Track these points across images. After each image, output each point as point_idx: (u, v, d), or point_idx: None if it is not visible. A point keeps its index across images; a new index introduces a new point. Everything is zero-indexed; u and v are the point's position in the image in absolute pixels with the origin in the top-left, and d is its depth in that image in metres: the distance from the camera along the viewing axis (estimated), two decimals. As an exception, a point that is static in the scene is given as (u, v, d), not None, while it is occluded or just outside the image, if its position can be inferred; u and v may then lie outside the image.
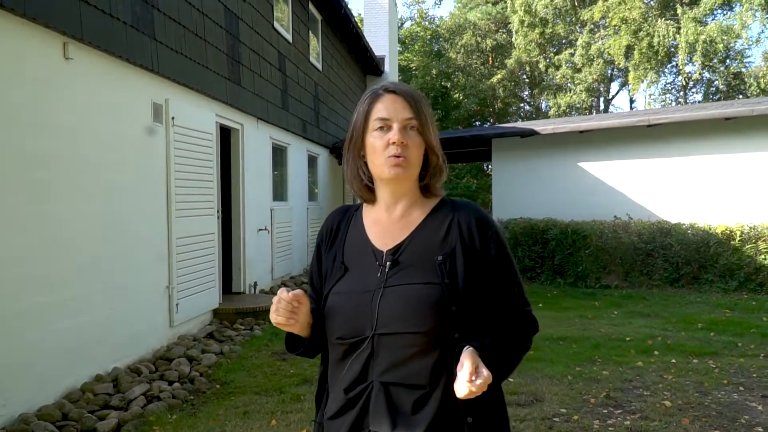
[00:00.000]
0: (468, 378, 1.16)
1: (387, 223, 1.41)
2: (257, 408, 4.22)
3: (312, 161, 11.94)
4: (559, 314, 7.23)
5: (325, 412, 1.38)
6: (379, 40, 17.83)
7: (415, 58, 34.55)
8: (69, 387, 4.35)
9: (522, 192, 11.26)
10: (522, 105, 37.93)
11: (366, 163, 1.42)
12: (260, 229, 8.60)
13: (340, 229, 1.47)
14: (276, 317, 1.31)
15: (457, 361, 1.21)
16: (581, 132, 10.58)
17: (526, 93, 37.40)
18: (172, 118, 5.91)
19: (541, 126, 11.47)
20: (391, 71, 18.39)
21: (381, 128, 1.36)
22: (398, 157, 1.33)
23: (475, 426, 1.28)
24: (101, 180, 4.82)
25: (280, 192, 9.89)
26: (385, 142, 1.35)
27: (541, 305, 7.61)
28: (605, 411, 4.07)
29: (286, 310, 1.30)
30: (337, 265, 1.40)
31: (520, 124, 13.56)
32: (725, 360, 5.25)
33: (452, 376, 1.22)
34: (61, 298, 4.31)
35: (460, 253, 1.32)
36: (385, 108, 1.36)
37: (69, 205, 4.43)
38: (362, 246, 1.40)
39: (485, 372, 1.17)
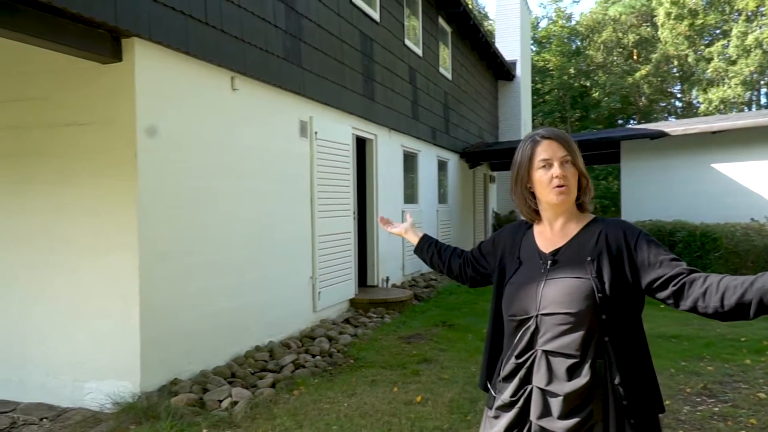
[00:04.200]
0: None
1: (550, 234, 1.82)
2: (383, 378, 5.01)
3: (442, 166, 12.65)
4: (678, 315, 7.29)
5: (500, 374, 1.79)
6: (511, 45, 18.15)
7: (552, 58, 34.02)
8: (235, 354, 5.41)
9: (652, 195, 11.15)
10: (672, 101, 35.88)
11: (532, 193, 1.82)
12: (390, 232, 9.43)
13: (517, 236, 1.92)
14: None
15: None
16: (714, 133, 10.30)
17: (677, 88, 35.26)
18: (315, 133, 6.90)
19: (671, 127, 11.27)
20: (523, 75, 18.61)
21: (544, 166, 1.75)
22: (562, 186, 1.73)
23: (622, 387, 1.61)
24: (258, 187, 5.87)
25: (410, 195, 10.71)
26: (549, 176, 1.74)
27: (662, 306, 7.67)
28: (698, 399, 4.35)
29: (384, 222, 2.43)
30: (515, 260, 1.85)
31: (651, 126, 13.30)
32: (843, 362, 5.19)
33: (600, 347, 1.62)
34: (228, 283, 5.38)
35: (606, 257, 1.68)
36: (544, 151, 1.76)
37: (234, 207, 5.49)
38: (531, 249, 1.83)
39: None
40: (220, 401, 4.35)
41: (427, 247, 2.30)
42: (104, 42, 4.11)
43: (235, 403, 4.31)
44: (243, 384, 4.77)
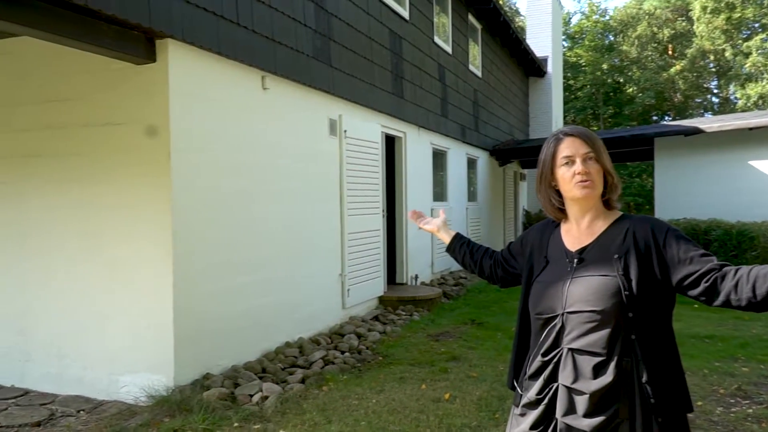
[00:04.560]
0: None
1: (576, 232, 1.81)
2: (411, 375, 5.02)
3: (471, 164, 12.59)
4: (713, 315, 7.15)
5: (527, 372, 1.80)
6: (542, 41, 17.96)
7: (584, 54, 33.50)
8: (266, 349, 5.48)
9: (686, 192, 10.93)
10: (708, 97, 35.03)
11: (557, 191, 1.83)
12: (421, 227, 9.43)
13: (544, 235, 1.92)
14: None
15: None
16: (751, 129, 10.03)
17: (714, 83, 34.39)
18: (345, 131, 6.94)
19: (707, 124, 11.03)
20: (554, 71, 18.40)
21: (567, 163, 1.76)
22: (584, 181, 1.73)
23: (650, 385, 1.60)
24: (288, 185, 5.93)
25: (439, 193, 10.69)
26: (572, 173, 1.74)
27: (696, 306, 7.54)
28: (732, 401, 4.26)
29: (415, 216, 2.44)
30: (542, 259, 1.86)
31: (685, 122, 13.04)
32: None
33: (627, 345, 1.61)
34: (259, 279, 5.45)
35: (634, 254, 1.66)
36: (567, 148, 1.77)
37: (265, 206, 5.56)
38: (558, 248, 1.83)
39: None
40: (251, 396, 4.42)
41: (459, 247, 2.30)
42: (138, 43, 4.20)
43: (266, 397, 4.38)
44: (273, 379, 4.84)
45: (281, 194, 5.80)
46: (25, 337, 4.87)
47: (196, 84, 4.69)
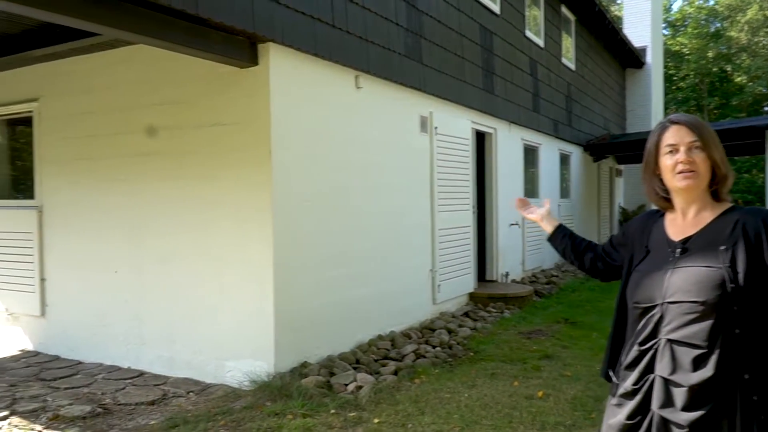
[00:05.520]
0: None
1: (681, 223, 1.79)
2: (503, 372, 5.01)
3: (564, 159, 12.28)
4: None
5: (622, 362, 1.79)
6: (640, 30, 17.24)
7: (688, 42, 31.67)
8: (359, 341, 5.64)
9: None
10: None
11: (661, 180, 1.81)
12: (512, 224, 9.35)
13: (647, 225, 1.90)
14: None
15: None
16: None
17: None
18: (435, 128, 6.99)
19: (827, 112, 10.18)
20: (654, 62, 17.59)
21: (671, 152, 1.74)
22: (686, 171, 1.70)
23: (752, 382, 1.56)
24: (381, 181, 6.05)
25: (531, 189, 10.51)
26: (674, 162, 1.72)
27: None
28: None
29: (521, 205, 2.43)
30: (643, 248, 1.84)
31: (802, 112, 12.07)
32: None
33: (730, 339, 1.57)
34: (354, 273, 5.61)
35: (742, 246, 1.62)
36: (672, 136, 1.75)
37: (358, 200, 5.71)
38: (661, 238, 1.81)
39: None
40: (346, 385, 4.57)
41: (561, 238, 2.28)
42: (243, 48, 4.45)
43: (360, 387, 4.52)
44: (367, 370, 4.97)
45: (374, 190, 5.94)
46: (141, 323, 5.28)
47: (294, 85, 4.89)
